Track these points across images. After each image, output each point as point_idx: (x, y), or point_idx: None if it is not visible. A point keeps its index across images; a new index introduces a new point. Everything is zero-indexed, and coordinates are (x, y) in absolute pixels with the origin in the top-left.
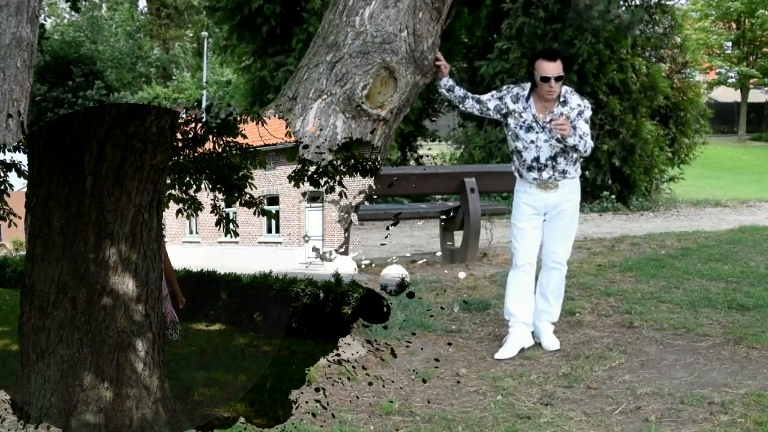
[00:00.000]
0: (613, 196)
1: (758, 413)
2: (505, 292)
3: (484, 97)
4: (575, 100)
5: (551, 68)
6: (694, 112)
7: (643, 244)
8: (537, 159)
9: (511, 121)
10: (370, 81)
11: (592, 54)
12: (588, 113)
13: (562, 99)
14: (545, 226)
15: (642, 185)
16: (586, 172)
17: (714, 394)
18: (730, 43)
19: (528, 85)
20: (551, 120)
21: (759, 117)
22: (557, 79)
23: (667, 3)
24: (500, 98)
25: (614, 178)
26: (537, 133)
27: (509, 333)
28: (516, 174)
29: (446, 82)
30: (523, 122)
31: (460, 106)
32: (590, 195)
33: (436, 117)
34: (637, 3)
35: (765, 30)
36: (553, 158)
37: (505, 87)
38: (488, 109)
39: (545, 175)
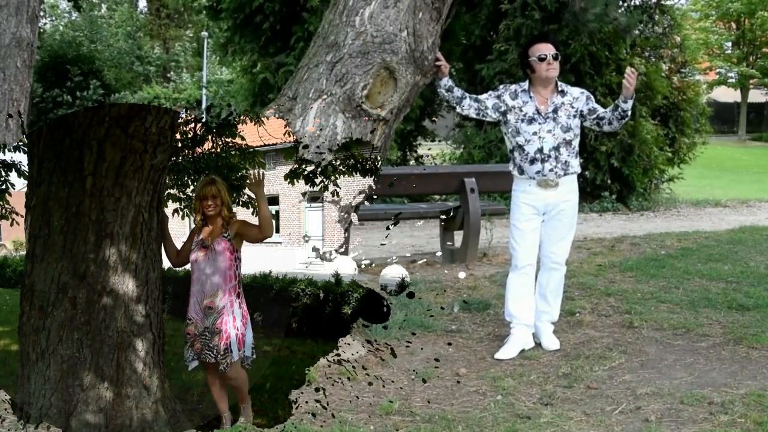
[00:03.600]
0: (613, 197)
1: (758, 413)
2: (505, 292)
3: (482, 97)
4: (575, 90)
5: (546, 47)
6: (694, 112)
7: (643, 244)
8: (540, 150)
9: (510, 117)
10: (370, 81)
11: (585, 55)
12: (592, 97)
13: (560, 89)
14: (544, 227)
15: (641, 185)
16: (586, 172)
17: (714, 394)
18: (730, 43)
19: (526, 82)
20: (629, 74)
21: (759, 117)
22: (554, 57)
23: (666, 3)
24: (498, 96)
25: (613, 178)
26: (540, 124)
27: (511, 334)
28: (515, 172)
29: (446, 82)
30: (524, 115)
31: (458, 107)
32: (590, 195)
33: (436, 117)
34: (636, 3)
35: (765, 30)
36: (556, 149)
37: (502, 86)
38: (486, 107)
39: (548, 167)
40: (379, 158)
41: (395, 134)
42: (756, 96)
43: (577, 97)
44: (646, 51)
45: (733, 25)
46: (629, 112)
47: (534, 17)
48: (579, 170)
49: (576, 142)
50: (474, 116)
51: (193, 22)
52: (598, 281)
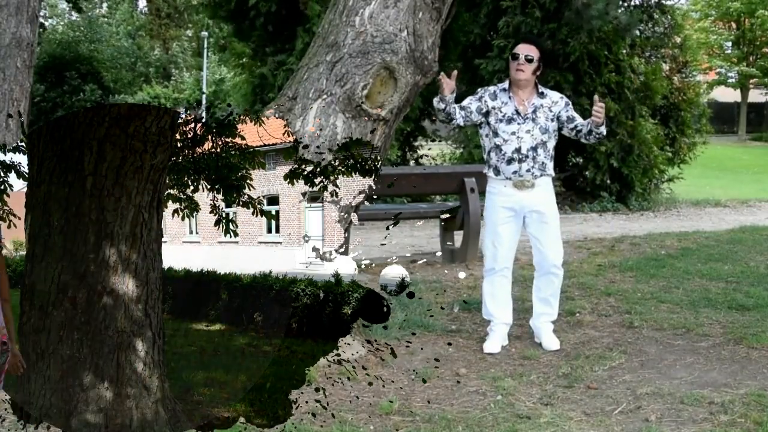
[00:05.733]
0: (612, 197)
1: (758, 413)
2: (482, 294)
3: (464, 103)
4: (555, 94)
5: (522, 48)
6: (695, 112)
7: (643, 244)
8: (518, 150)
9: (491, 118)
10: (370, 81)
11: (584, 54)
12: (571, 105)
13: (540, 91)
14: (531, 232)
15: (641, 185)
16: (586, 172)
17: (714, 394)
18: (730, 43)
19: (506, 82)
20: (597, 103)
21: (759, 117)
22: (527, 59)
23: (666, 3)
24: (480, 99)
25: (613, 178)
26: (519, 124)
27: (492, 331)
28: (491, 173)
29: (450, 98)
30: (503, 115)
31: (454, 121)
32: (590, 195)
33: (436, 117)
34: (636, 3)
35: (765, 30)
36: (534, 149)
37: (481, 89)
38: (471, 111)
39: (525, 167)
40: (379, 158)
41: (395, 134)
42: (756, 96)
43: (557, 101)
44: (646, 51)
45: (733, 25)
46: (605, 132)
47: (534, 15)
48: (553, 174)
49: (551, 145)
50: (462, 125)
51: (193, 22)
52: (598, 281)
